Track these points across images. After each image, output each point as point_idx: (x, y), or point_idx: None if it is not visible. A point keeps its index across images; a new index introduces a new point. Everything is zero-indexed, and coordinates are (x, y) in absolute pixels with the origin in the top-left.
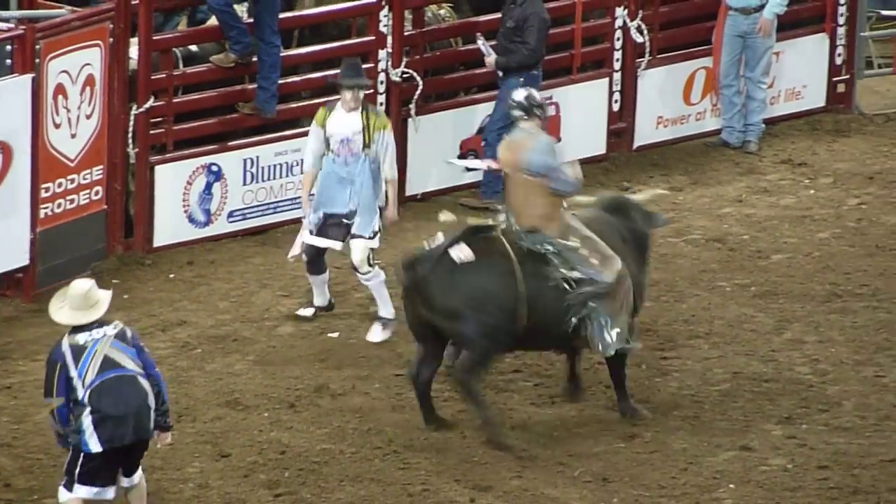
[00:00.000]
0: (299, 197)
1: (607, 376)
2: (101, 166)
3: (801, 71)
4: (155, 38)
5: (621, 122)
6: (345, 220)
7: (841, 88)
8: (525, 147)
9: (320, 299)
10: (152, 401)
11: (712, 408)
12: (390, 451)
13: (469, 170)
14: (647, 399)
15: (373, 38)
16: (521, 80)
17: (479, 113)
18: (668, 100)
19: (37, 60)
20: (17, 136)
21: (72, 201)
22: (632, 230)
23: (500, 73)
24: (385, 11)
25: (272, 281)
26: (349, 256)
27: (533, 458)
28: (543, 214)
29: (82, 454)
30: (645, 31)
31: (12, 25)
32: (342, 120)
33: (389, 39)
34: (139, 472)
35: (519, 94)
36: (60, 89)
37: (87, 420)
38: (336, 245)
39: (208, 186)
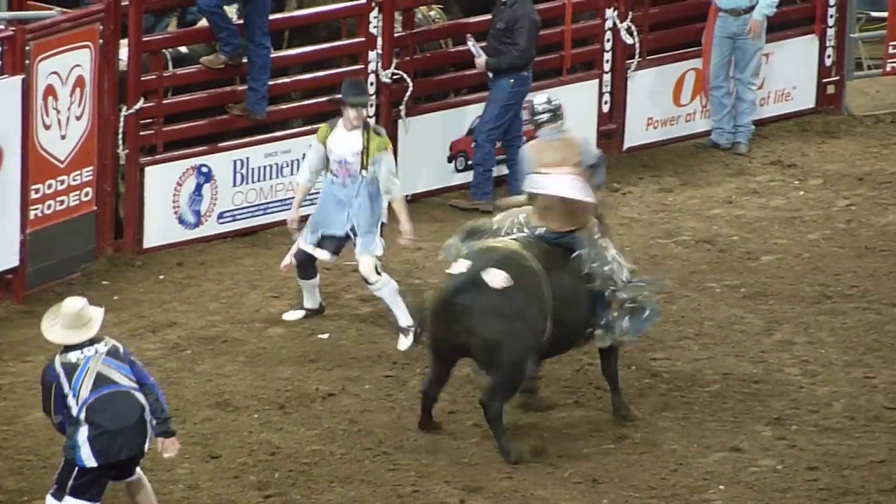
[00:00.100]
0: (290, 198)
1: (597, 377)
2: (90, 168)
3: (790, 72)
4: (145, 39)
5: (611, 123)
6: (338, 235)
7: (830, 90)
8: (572, 144)
9: (310, 302)
10: (148, 415)
11: (702, 409)
12: (380, 452)
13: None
14: (637, 400)
15: (363, 39)
16: (511, 81)
17: (470, 114)
18: (657, 101)
19: (27, 62)
20: (7, 138)
21: (62, 203)
22: None
23: (491, 75)
24: (375, 13)
25: (262, 282)
26: (358, 271)
27: (520, 457)
28: (582, 214)
29: (77, 468)
30: (635, 33)
31: (2, 27)
32: (343, 139)
33: (379, 41)
34: (137, 475)
35: (541, 98)
36: (50, 90)
37: (82, 436)
38: (326, 256)
39: (198, 188)
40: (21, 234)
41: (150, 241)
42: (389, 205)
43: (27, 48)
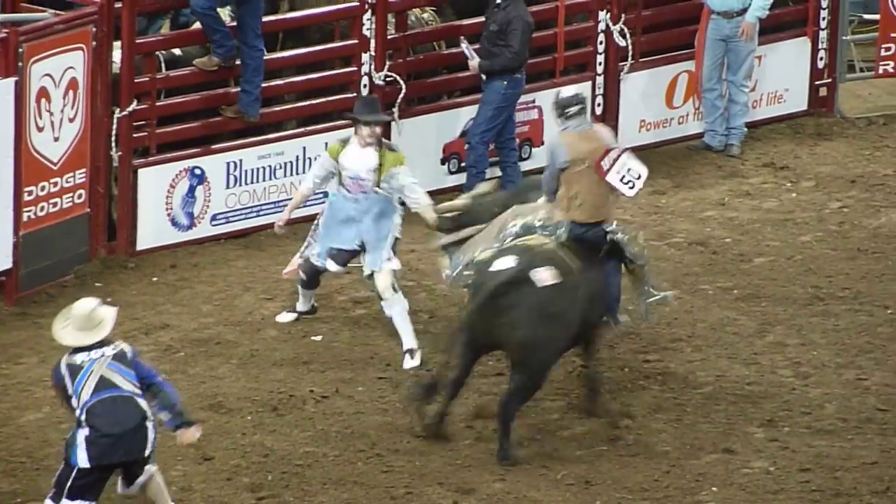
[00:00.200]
0: (283, 201)
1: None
2: (84, 170)
3: (783, 74)
4: (138, 41)
5: (604, 125)
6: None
7: (823, 92)
8: (603, 135)
9: (304, 306)
10: (150, 421)
11: (695, 411)
12: (373, 454)
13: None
14: (629, 402)
15: (356, 41)
16: (505, 83)
17: (463, 116)
18: (650, 103)
19: (20, 64)
20: (0, 140)
21: (55, 205)
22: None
23: (484, 77)
24: (368, 15)
25: (255, 284)
26: (372, 287)
27: (516, 462)
28: (608, 205)
29: (76, 469)
30: (628, 35)
31: None
32: (356, 156)
33: (373, 43)
34: (147, 470)
35: (570, 91)
36: (43, 93)
37: (80, 436)
38: (337, 268)
39: (191, 190)
40: (14, 236)
41: (143, 243)
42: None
43: (20, 50)
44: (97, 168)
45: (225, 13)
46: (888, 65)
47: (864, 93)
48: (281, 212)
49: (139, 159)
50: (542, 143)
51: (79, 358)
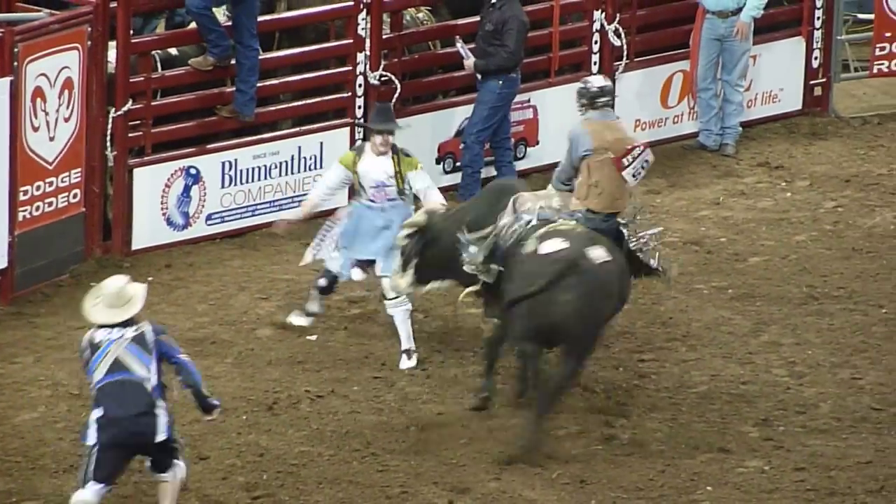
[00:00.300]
0: (277, 200)
1: (585, 378)
2: (79, 169)
3: (777, 74)
4: (133, 41)
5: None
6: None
7: (817, 92)
8: (623, 126)
9: (317, 307)
10: (162, 408)
11: (690, 410)
12: (368, 453)
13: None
14: (624, 402)
15: (351, 41)
16: (500, 83)
17: (458, 116)
18: (645, 103)
19: (15, 63)
20: None
21: (50, 204)
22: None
23: (479, 77)
24: (363, 14)
25: (250, 284)
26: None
27: (511, 461)
28: (624, 197)
29: (95, 452)
30: (622, 35)
31: None
32: (374, 164)
33: (368, 42)
34: (173, 470)
35: (600, 80)
36: (39, 92)
37: (93, 414)
38: (360, 276)
39: (186, 189)
40: (9, 235)
41: (138, 242)
42: None
43: (15, 50)
44: (92, 167)
45: (220, 13)
46: (883, 64)
47: (859, 92)
48: (276, 211)
49: (134, 159)
50: (538, 143)
51: (99, 335)
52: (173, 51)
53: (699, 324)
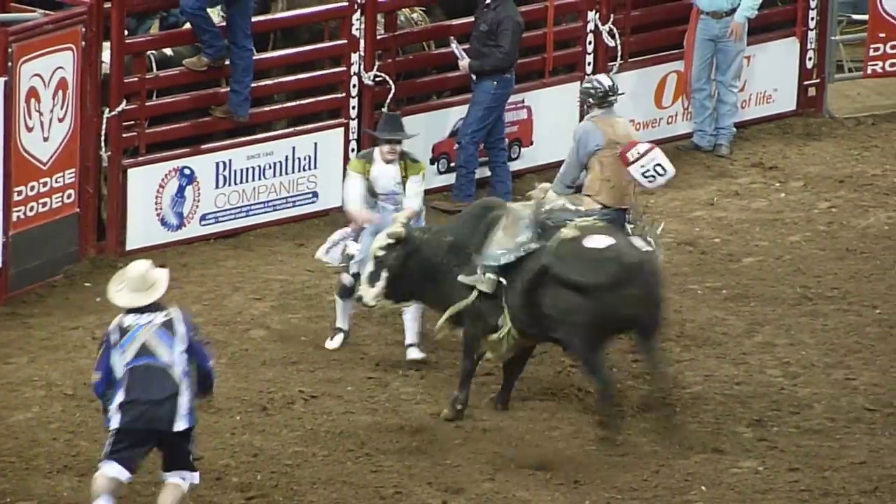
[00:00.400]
0: (272, 200)
1: (579, 379)
2: (73, 169)
3: (771, 75)
4: (127, 41)
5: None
6: None
7: (812, 92)
8: (627, 124)
9: (344, 322)
10: (184, 394)
11: (684, 410)
12: (363, 454)
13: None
14: (618, 403)
15: (345, 41)
16: (495, 83)
17: (452, 116)
18: (639, 103)
19: (9, 64)
20: None
21: (44, 204)
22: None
23: (474, 77)
24: (357, 15)
25: (244, 284)
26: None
27: (505, 461)
28: (631, 194)
29: (114, 434)
30: (616, 35)
31: None
32: (384, 172)
33: (362, 43)
34: (184, 475)
35: (606, 79)
36: (33, 93)
37: (116, 399)
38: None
39: (181, 189)
40: (3, 236)
41: (132, 242)
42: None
43: (10, 50)
44: (86, 168)
45: (215, 13)
46: (877, 65)
47: (853, 93)
48: (270, 212)
49: (128, 159)
50: (531, 143)
51: (128, 319)
52: (168, 51)
53: (693, 324)
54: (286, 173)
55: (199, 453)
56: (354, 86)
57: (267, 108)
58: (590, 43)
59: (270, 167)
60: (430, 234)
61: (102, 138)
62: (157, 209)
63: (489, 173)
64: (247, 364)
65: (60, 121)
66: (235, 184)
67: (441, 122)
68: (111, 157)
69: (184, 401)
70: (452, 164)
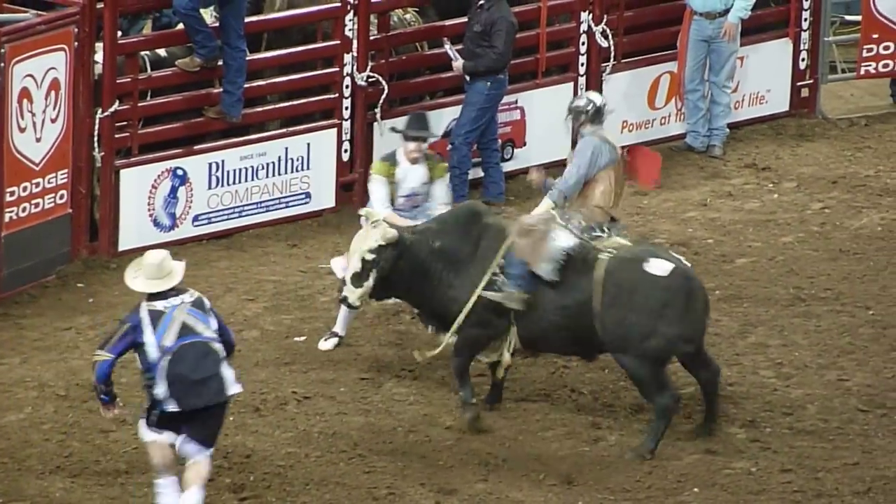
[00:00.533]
0: (265, 201)
1: (572, 380)
2: (66, 170)
3: (765, 75)
4: (120, 42)
5: None
6: None
7: (805, 93)
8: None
9: (344, 330)
10: (226, 365)
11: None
12: (355, 454)
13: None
14: (611, 403)
15: (338, 42)
16: (488, 84)
17: (446, 117)
18: (633, 104)
19: (1, 64)
20: None
21: (37, 205)
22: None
23: (467, 78)
24: (350, 16)
25: (237, 285)
26: None
27: (498, 462)
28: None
29: (159, 411)
30: (610, 36)
31: None
32: (411, 172)
33: (355, 44)
34: (206, 454)
35: (598, 96)
36: (25, 93)
37: (162, 387)
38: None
39: (173, 190)
40: None
41: (125, 243)
42: None
43: (2, 51)
44: (79, 169)
45: (208, 14)
46: (870, 66)
47: (846, 94)
48: (263, 212)
49: (121, 160)
50: (525, 144)
51: (160, 304)
52: (162, 52)
53: None
54: (279, 174)
55: None
56: (347, 86)
57: (260, 109)
58: (583, 44)
59: (263, 168)
60: (417, 237)
61: (95, 139)
62: (149, 210)
63: (482, 174)
64: (240, 365)
65: (53, 121)
66: (228, 184)
67: (434, 122)
68: (104, 157)
69: (228, 372)
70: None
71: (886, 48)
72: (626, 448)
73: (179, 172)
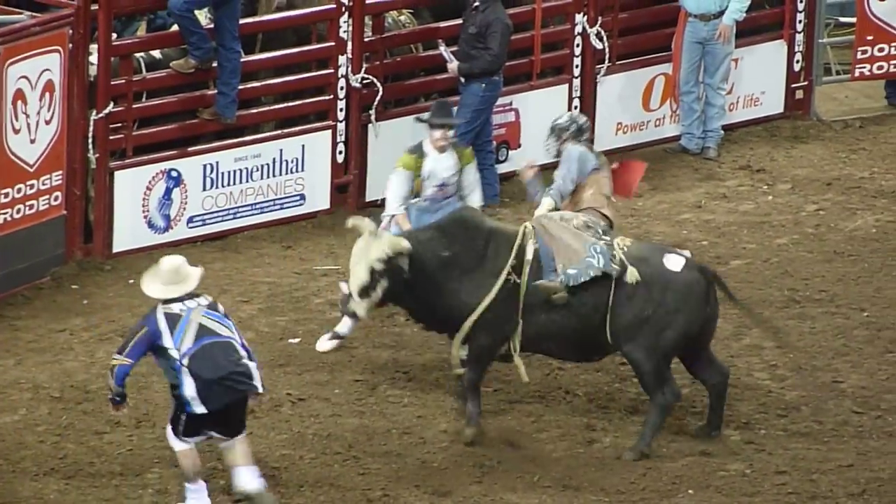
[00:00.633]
0: (259, 203)
1: (566, 382)
2: (60, 172)
3: (759, 77)
4: (114, 43)
5: None
6: None
7: (799, 95)
8: None
9: (345, 329)
10: (248, 362)
11: (671, 413)
12: (350, 456)
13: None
14: (606, 405)
15: (333, 43)
16: (483, 86)
17: None
18: (627, 106)
19: None
20: None
21: (31, 207)
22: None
23: (462, 80)
24: (345, 17)
25: (232, 286)
26: None
27: (493, 464)
28: None
29: (186, 414)
30: (604, 38)
31: None
32: (440, 162)
33: (349, 45)
34: (241, 436)
35: (582, 118)
36: (20, 95)
37: (189, 387)
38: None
39: (168, 192)
40: None
41: (119, 245)
42: None
43: None
44: (73, 170)
45: (202, 15)
46: (864, 68)
47: (841, 96)
48: (258, 214)
49: (116, 161)
50: (519, 146)
51: (176, 307)
52: (157, 54)
53: None
54: (273, 175)
55: None
56: (342, 88)
57: (254, 111)
58: (578, 45)
59: (258, 169)
60: (423, 246)
61: (90, 140)
62: (144, 211)
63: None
64: None
65: (47, 123)
66: (223, 186)
67: None
68: (98, 159)
69: (253, 367)
70: None
71: (881, 50)
72: (622, 450)
73: (174, 174)
